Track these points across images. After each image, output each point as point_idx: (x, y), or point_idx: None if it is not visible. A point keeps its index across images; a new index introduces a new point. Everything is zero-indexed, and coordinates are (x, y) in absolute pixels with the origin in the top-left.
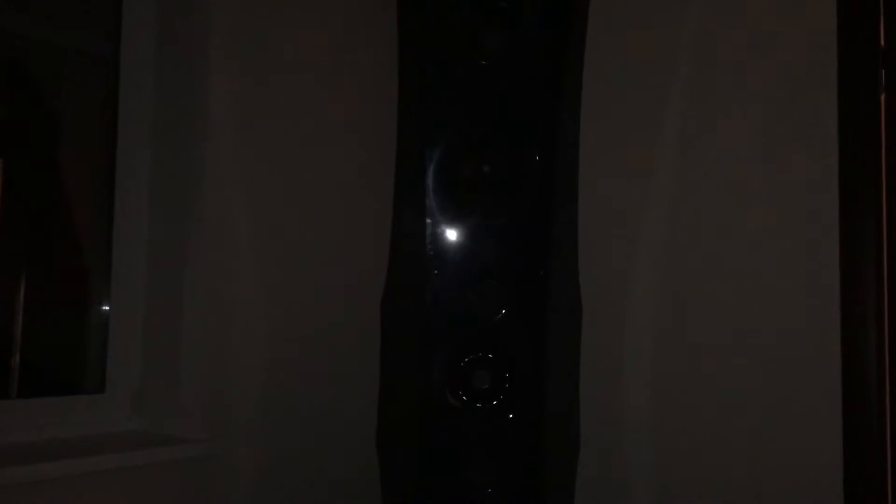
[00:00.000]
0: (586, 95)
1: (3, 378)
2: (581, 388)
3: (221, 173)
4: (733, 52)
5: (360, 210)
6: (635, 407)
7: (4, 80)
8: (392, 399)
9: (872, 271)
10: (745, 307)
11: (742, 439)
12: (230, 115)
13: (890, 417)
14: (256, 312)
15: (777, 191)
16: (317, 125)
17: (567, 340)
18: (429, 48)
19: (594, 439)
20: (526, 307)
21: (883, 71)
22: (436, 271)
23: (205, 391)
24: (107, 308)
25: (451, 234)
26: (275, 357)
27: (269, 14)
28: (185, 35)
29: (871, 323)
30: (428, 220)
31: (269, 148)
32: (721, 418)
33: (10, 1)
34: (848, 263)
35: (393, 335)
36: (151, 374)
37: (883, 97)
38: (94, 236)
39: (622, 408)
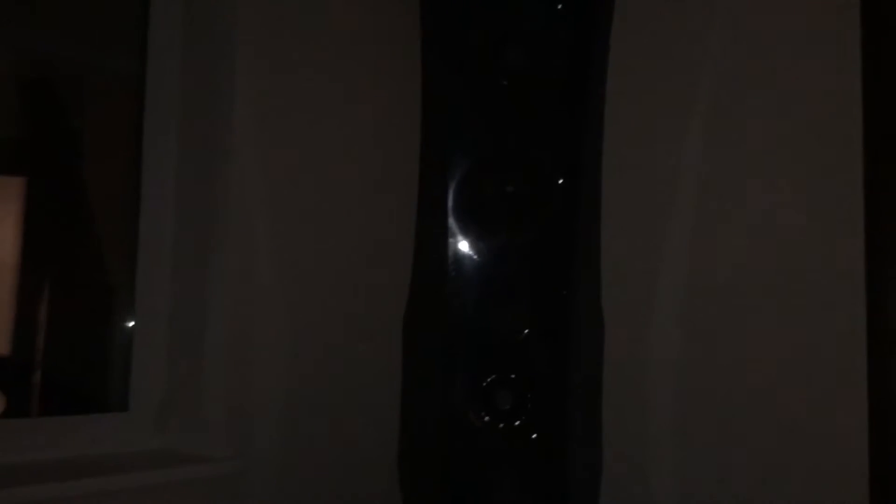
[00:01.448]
0: (608, 109)
1: (25, 396)
2: (604, 405)
3: (246, 190)
4: (758, 58)
5: (384, 222)
6: (658, 423)
7: (28, 99)
8: (414, 417)
9: None
10: (770, 321)
11: (768, 457)
12: (255, 131)
13: None
14: (280, 331)
15: (803, 199)
16: (341, 138)
17: (590, 359)
18: (451, 67)
19: (616, 457)
20: (548, 327)
21: None
22: (458, 290)
23: (229, 409)
24: (131, 325)
25: (474, 253)
26: (298, 374)
27: (294, 30)
28: (210, 52)
29: None
30: (450, 240)
31: (294, 163)
32: (747, 432)
33: (35, 20)
34: (874, 269)
35: (415, 354)
36: (175, 392)
37: None
38: (119, 254)
39: (645, 424)
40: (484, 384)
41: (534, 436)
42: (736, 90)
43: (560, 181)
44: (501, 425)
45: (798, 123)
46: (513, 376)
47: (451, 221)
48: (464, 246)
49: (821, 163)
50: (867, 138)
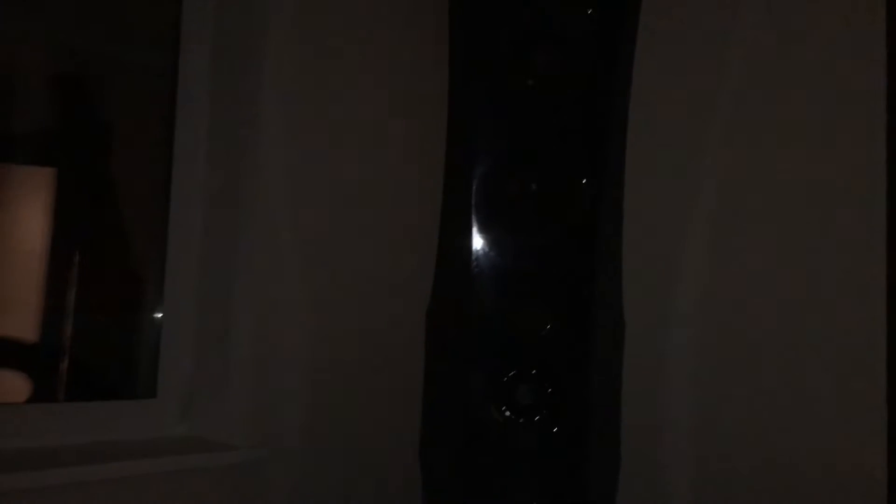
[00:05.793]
0: (632, 109)
1: (53, 382)
2: (622, 402)
3: (273, 184)
4: (783, 59)
5: (408, 219)
6: (676, 421)
7: (60, 91)
8: (435, 412)
9: None
10: (790, 323)
11: (784, 458)
12: (283, 126)
13: None
14: (304, 322)
15: (825, 201)
16: (367, 136)
17: (610, 357)
18: (478, 66)
19: (633, 453)
20: (570, 323)
21: None
22: (481, 286)
23: (253, 398)
24: (159, 315)
25: (497, 251)
26: (322, 366)
27: (325, 29)
28: (241, 47)
29: None
30: (474, 237)
31: (320, 159)
32: (761, 433)
33: (68, 14)
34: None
35: (437, 348)
36: (202, 381)
37: None
38: (148, 244)
39: (663, 422)
40: (505, 379)
41: (554, 430)
42: (761, 90)
43: (584, 181)
44: (522, 420)
45: (824, 126)
46: (534, 372)
47: (476, 218)
48: (488, 243)
49: (843, 165)
50: (890, 142)
